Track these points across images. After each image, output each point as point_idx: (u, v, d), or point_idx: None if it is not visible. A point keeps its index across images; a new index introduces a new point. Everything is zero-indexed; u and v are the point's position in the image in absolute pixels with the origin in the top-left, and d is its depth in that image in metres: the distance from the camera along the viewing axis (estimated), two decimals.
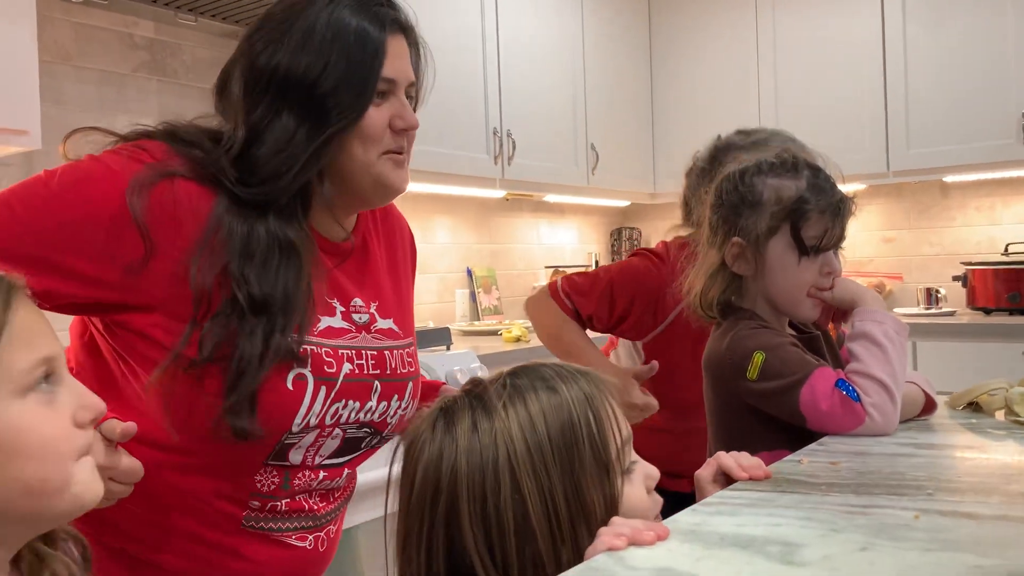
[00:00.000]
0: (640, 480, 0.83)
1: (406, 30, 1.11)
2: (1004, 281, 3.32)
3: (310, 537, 1.11)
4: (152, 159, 1.01)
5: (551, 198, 3.77)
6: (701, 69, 3.91)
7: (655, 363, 1.64)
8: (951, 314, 3.42)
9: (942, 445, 1.12)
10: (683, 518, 0.80)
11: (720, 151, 1.65)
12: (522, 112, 3.21)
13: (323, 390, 1.04)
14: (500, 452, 0.78)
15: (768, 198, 1.22)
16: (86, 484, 0.71)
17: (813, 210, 1.19)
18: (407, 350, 1.18)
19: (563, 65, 3.47)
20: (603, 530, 0.73)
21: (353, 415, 1.08)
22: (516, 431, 0.79)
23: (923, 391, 1.25)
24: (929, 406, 1.26)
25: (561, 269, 3.97)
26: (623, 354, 1.87)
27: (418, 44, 1.13)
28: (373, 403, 1.10)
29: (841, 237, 1.22)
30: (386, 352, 1.13)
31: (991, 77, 3.23)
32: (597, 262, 4.20)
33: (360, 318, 1.13)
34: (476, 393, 0.84)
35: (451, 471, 0.79)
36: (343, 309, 1.11)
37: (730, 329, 1.25)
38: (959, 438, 1.16)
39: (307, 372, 1.03)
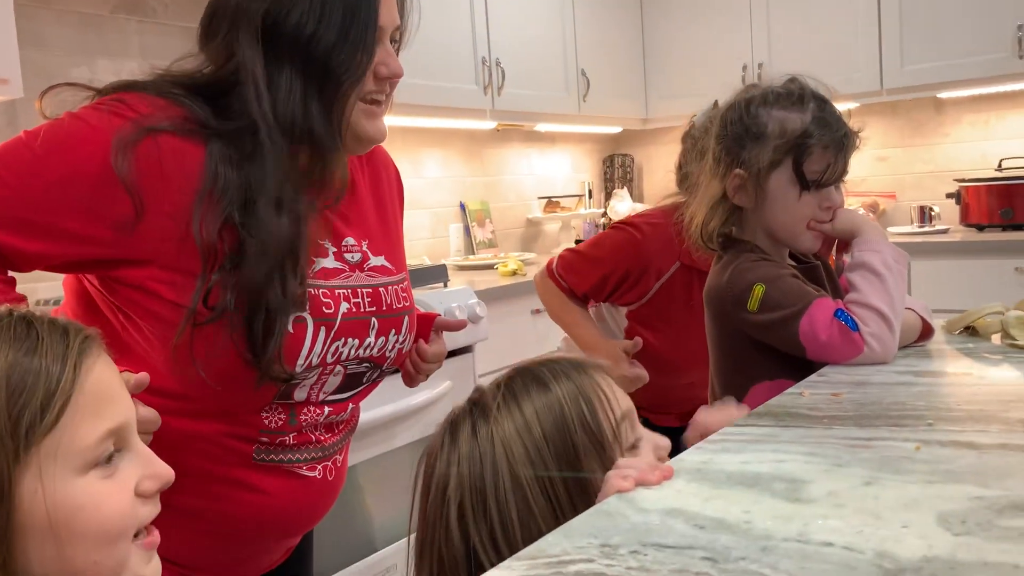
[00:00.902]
0: (649, 452, 0.84)
1: None
2: (997, 197, 3.32)
3: (319, 467, 1.14)
4: (134, 113, 1.00)
5: (542, 127, 3.73)
6: None
7: (638, 340, 1.75)
8: (944, 231, 3.43)
9: (940, 372, 1.14)
10: (689, 457, 0.82)
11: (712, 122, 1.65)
12: (511, 41, 3.15)
13: (323, 331, 1.06)
14: (497, 452, 0.80)
15: (772, 130, 1.21)
16: (141, 567, 0.65)
17: (817, 145, 1.18)
18: (401, 285, 1.20)
19: None
20: (610, 473, 0.75)
21: (353, 352, 1.10)
22: (511, 431, 0.81)
23: (920, 317, 1.26)
24: (926, 331, 1.28)
25: (554, 199, 3.96)
26: (605, 312, 1.91)
27: None
28: (371, 339, 1.12)
29: (844, 172, 1.21)
30: (381, 289, 1.15)
31: None
32: (590, 191, 4.18)
33: (353, 257, 1.14)
34: (475, 400, 0.86)
35: (456, 478, 0.81)
36: (335, 249, 1.12)
37: (731, 262, 1.25)
38: (956, 364, 1.18)
39: (306, 315, 1.04)
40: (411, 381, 1.35)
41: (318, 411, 1.11)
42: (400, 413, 2.06)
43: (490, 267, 3.08)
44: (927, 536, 0.61)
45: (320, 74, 1.03)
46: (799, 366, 1.22)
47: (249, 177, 1.03)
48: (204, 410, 1.04)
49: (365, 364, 1.14)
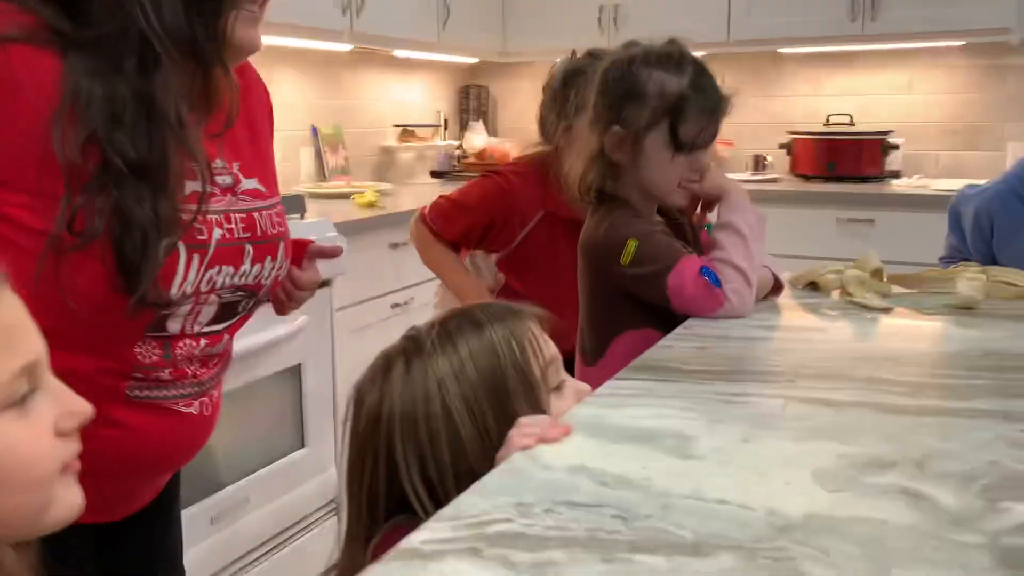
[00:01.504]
0: (571, 395, 0.89)
1: None
2: (824, 151, 3.57)
3: (195, 403, 1.11)
4: None
5: (400, 53, 3.64)
6: None
7: (501, 276, 1.82)
8: (775, 180, 3.66)
9: (791, 327, 1.24)
10: (581, 411, 0.87)
11: (570, 75, 1.71)
12: None
13: (196, 258, 1.02)
14: (431, 386, 0.83)
15: (651, 91, 1.25)
16: (65, 502, 0.63)
17: (692, 109, 1.23)
18: (275, 210, 1.16)
19: None
20: (512, 432, 0.78)
21: (228, 280, 1.07)
22: (446, 368, 0.84)
23: (773, 275, 1.36)
24: (777, 287, 1.39)
25: (409, 128, 3.90)
26: (480, 261, 1.94)
27: None
28: (247, 267, 1.09)
29: (714, 136, 1.28)
30: (255, 214, 1.11)
31: None
32: (446, 121, 4.14)
33: (224, 180, 1.09)
34: (410, 338, 0.89)
35: (388, 410, 0.83)
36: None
37: (606, 217, 1.30)
38: (803, 320, 1.29)
39: (173, 240, 1.00)
40: (283, 309, 1.32)
41: (193, 343, 1.08)
42: (256, 347, 2.01)
43: (345, 196, 3.02)
44: (807, 493, 0.68)
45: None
46: (664, 317, 1.29)
47: (115, 90, 0.96)
48: (74, 345, 0.98)
49: (240, 292, 1.11)
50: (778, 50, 3.71)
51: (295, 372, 2.31)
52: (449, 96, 4.32)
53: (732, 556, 0.59)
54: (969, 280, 1.33)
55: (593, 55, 1.69)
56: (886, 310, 1.30)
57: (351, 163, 3.55)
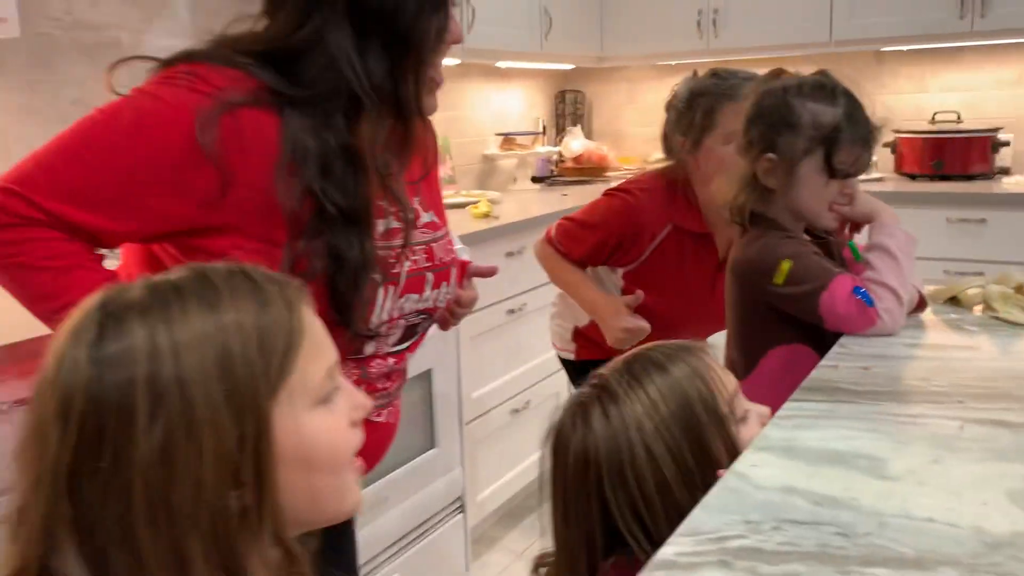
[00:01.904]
0: (755, 422, 0.98)
1: None
2: (930, 149, 3.54)
3: (383, 412, 1.25)
4: (209, 87, 1.03)
5: (502, 64, 3.75)
6: None
7: (640, 293, 1.83)
8: (880, 180, 3.65)
9: (943, 345, 1.30)
10: (772, 433, 0.95)
11: (695, 95, 1.76)
12: None
13: (391, 290, 1.15)
14: (631, 430, 0.92)
15: (806, 121, 1.32)
16: (354, 493, 0.73)
17: (846, 139, 1.30)
18: (447, 239, 1.29)
19: None
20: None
21: (413, 306, 1.20)
22: (640, 411, 0.93)
23: (918, 292, 1.42)
24: (921, 304, 1.44)
25: (511, 136, 4.01)
26: (602, 274, 2.01)
27: None
28: (428, 292, 1.22)
29: (868, 164, 1.34)
30: (433, 245, 1.24)
31: None
32: (544, 128, 4.24)
33: (407, 215, 1.21)
34: (600, 385, 0.97)
35: (594, 456, 0.92)
36: (393, 210, 1.18)
37: (759, 237, 1.38)
38: (951, 337, 1.34)
39: (376, 276, 1.11)
40: (445, 325, 1.44)
41: (383, 362, 1.21)
42: None
43: (460, 206, 3.14)
44: (1006, 513, 0.75)
45: (402, 44, 1.08)
46: (813, 333, 1.37)
47: (326, 143, 1.08)
48: None
49: (421, 315, 1.23)
50: (880, 49, 3.70)
51: (426, 377, 2.44)
52: (546, 102, 4.42)
53: (953, 571, 0.67)
54: None
55: (717, 75, 1.75)
56: None
57: (457, 172, 3.68)
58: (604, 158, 4.13)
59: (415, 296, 1.19)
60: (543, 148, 4.09)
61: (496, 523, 2.91)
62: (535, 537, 2.78)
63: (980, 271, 2.70)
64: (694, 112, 1.76)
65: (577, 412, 0.96)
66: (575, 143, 4.11)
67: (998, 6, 3.24)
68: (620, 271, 1.94)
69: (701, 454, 0.90)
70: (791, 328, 1.38)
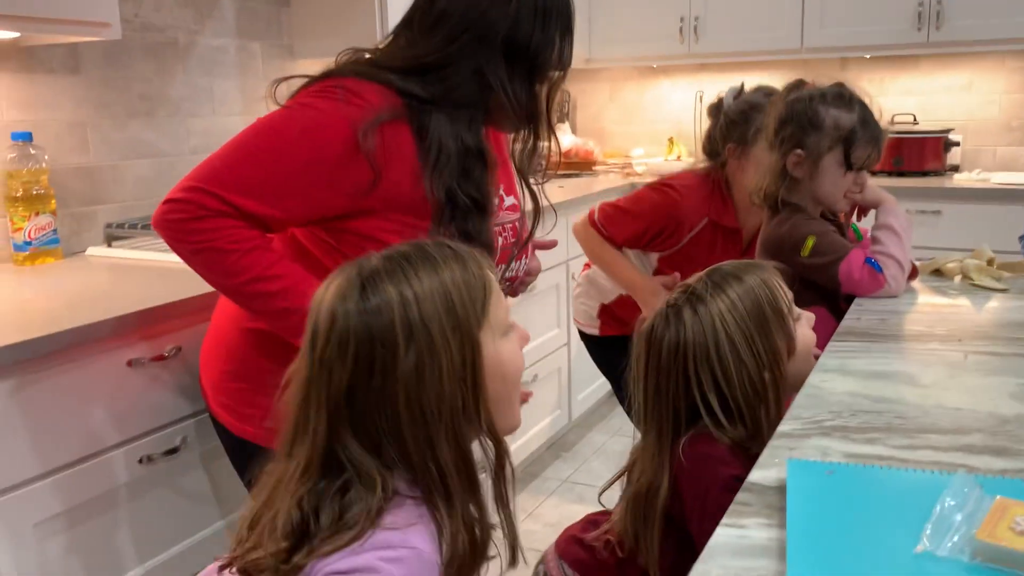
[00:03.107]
0: (806, 323, 1.27)
1: None
2: (889, 147, 3.91)
3: None
4: (363, 101, 1.29)
5: None
6: None
7: (677, 275, 2.08)
8: None
9: (935, 304, 1.63)
10: (827, 362, 1.26)
11: (751, 108, 2.01)
12: None
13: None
14: (716, 323, 1.20)
15: (829, 124, 1.63)
16: (519, 411, 0.97)
17: (862, 139, 1.62)
18: (521, 218, 1.56)
19: None
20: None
21: (500, 275, 1.47)
22: (723, 308, 1.21)
23: (912, 263, 1.75)
24: (913, 274, 1.77)
25: None
26: (631, 255, 2.25)
27: None
28: (512, 264, 1.49)
29: (878, 159, 1.66)
30: (516, 223, 1.51)
31: None
32: None
33: (498, 199, 1.49)
34: (688, 291, 1.25)
35: (684, 343, 1.20)
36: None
37: (787, 218, 1.69)
38: (941, 298, 1.67)
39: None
40: (514, 292, 1.70)
41: None
42: None
43: None
44: (1010, 405, 1.08)
45: (539, 73, 1.36)
46: (830, 297, 1.68)
47: (465, 146, 1.35)
48: None
49: (505, 284, 1.51)
50: (846, 56, 4.07)
51: None
52: None
53: (980, 434, 0.98)
54: None
55: (763, 91, 2.04)
56: (1004, 290, 1.68)
57: None
58: (590, 153, 4.43)
59: (503, 267, 1.47)
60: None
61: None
62: (543, 497, 3.07)
63: (934, 256, 3.07)
64: (749, 124, 1.99)
65: (669, 313, 1.23)
66: (564, 139, 4.40)
67: (951, 20, 3.63)
68: (655, 255, 2.19)
69: (767, 342, 1.19)
70: (812, 293, 1.69)
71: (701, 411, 1.19)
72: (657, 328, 1.24)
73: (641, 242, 2.15)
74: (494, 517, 0.95)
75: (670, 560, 1.19)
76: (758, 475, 0.90)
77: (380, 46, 1.41)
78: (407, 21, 1.39)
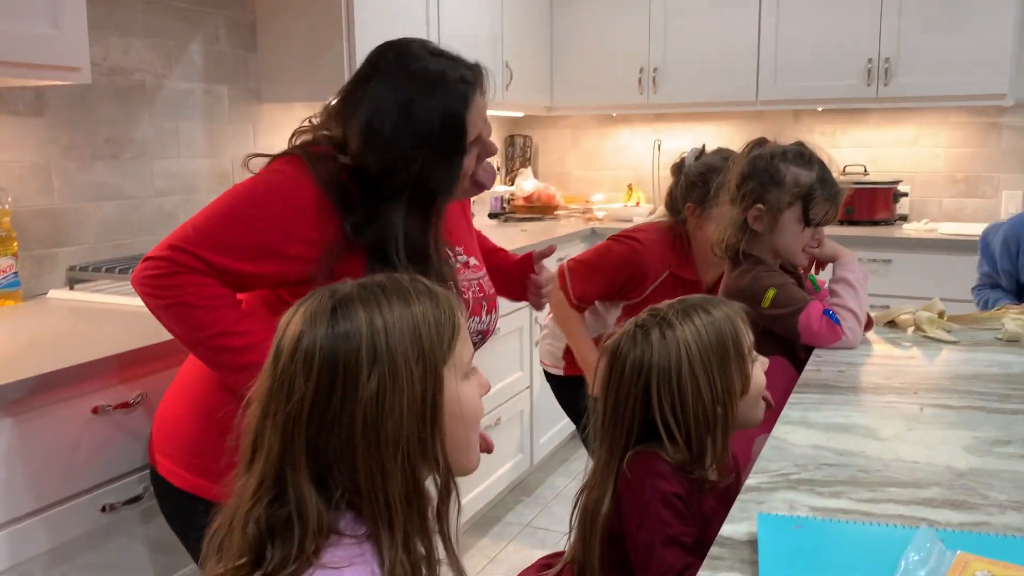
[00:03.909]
0: (760, 368, 1.31)
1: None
2: None
3: None
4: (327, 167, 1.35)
5: None
6: (597, 0, 4.28)
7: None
8: None
9: (891, 355, 1.69)
10: (791, 414, 1.30)
11: (709, 170, 2.08)
12: (452, 31, 3.46)
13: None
14: (681, 349, 1.24)
15: (789, 181, 1.69)
16: (476, 455, 0.98)
17: (820, 196, 1.68)
18: (486, 276, 1.63)
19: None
20: None
21: (474, 327, 1.53)
22: (689, 336, 1.25)
23: (868, 315, 1.81)
24: (868, 324, 1.83)
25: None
26: (599, 307, 2.30)
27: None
28: (483, 317, 1.54)
29: (835, 216, 1.73)
30: (481, 280, 1.59)
31: (846, 28, 3.84)
32: (498, 168, 4.58)
33: (460, 259, 1.55)
34: (657, 314, 1.29)
35: (648, 363, 1.24)
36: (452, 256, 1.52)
37: (748, 270, 1.74)
38: (895, 350, 1.73)
39: None
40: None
41: None
42: None
43: None
44: (965, 457, 1.12)
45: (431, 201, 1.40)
46: (789, 348, 1.73)
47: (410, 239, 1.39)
48: None
49: (479, 336, 1.55)
50: (799, 109, 4.21)
51: None
52: (497, 144, 4.76)
53: (938, 487, 1.02)
54: (1014, 319, 1.79)
55: (722, 154, 2.11)
56: (954, 343, 1.74)
57: None
58: (552, 197, 4.50)
59: (476, 319, 1.52)
60: (501, 187, 4.44)
61: (470, 531, 3.18)
62: (505, 542, 3.07)
63: (887, 304, 3.17)
64: (708, 185, 2.06)
65: (637, 332, 1.27)
66: (527, 183, 4.47)
67: (899, 76, 3.78)
68: (621, 304, 2.25)
69: (724, 376, 1.23)
70: (771, 343, 1.74)
71: (654, 430, 1.22)
72: (623, 346, 1.27)
73: (610, 293, 2.20)
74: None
75: None
76: (730, 529, 0.93)
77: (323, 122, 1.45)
78: (345, 111, 1.41)
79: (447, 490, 0.94)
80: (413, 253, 1.37)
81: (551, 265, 1.99)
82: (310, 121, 1.44)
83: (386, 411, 0.86)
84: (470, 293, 1.53)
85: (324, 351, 0.87)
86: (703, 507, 1.21)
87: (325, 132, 1.42)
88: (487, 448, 1.03)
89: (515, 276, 1.82)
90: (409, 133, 1.33)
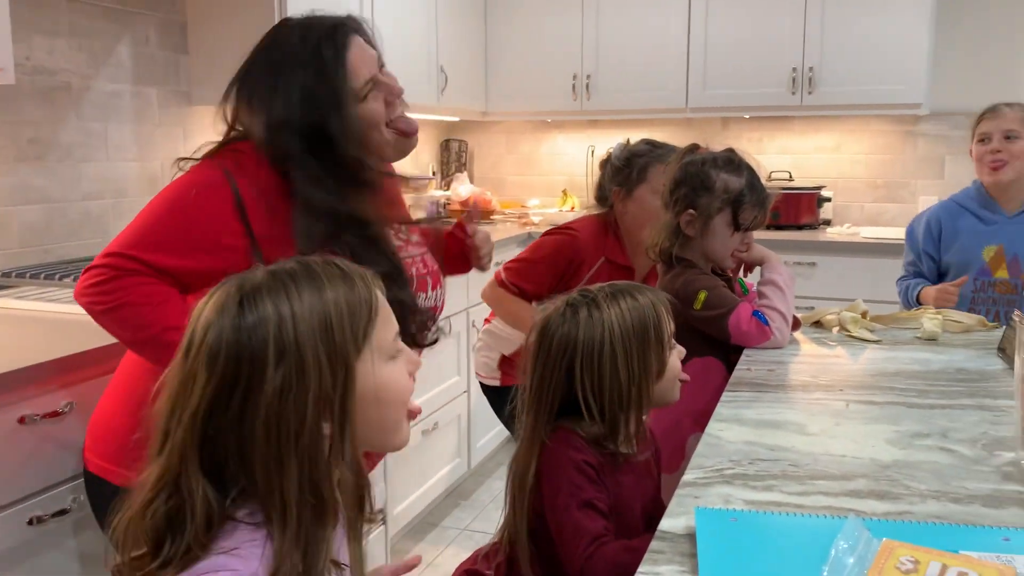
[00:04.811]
0: (676, 355, 1.36)
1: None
2: None
3: None
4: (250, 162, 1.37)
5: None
6: (531, 8, 4.32)
7: None
8: None
9: (817, 354, 1.75)
10: (723, 411, 1.34)
11: (633, 156, 2.16)
12: (386, 36, 3.44)
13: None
14: (605, 330, 1.28)
15: (719, 187, 1.74)
16: (405, 431, 0.97)
17: (749, 202, 1.73)
18: (429, 253, 1.63)
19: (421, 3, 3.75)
20: None
21: (422, 302, 1.53)
22: (614, 319, 1.29)
23: (795, 316, 1.87)
24: (796, 325, 1.89)
25: (405, 178, 4.31)
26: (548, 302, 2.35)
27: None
28: (429, 293, 1.56)
29: (764, 222, 1.78)
30: (425, 256, 1.60)
31: (771, 37, 3.96)
32: (434, 172, 4.58)
33: (402, 235, 1.56)
34: (587, 295, 1.34)
35: (574, 341, 1.29)
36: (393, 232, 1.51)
37: (681, 274, 1.78)
38: (822, 349, 1.80)
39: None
40: (481, 264, 1.80)
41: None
42: None
43: None
44: (887, 451, 1.17)
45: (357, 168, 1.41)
46: (720, 348, 1.78)
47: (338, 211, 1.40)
48: None
49: (427, 316, 1.56)
50: (726, 116, 4.32)
51: None
52: (432, 149, 4.77)
53: (865, 479, 1.07)
54: (931, 319, 1.87)
55: (650, 143, 2.18)
56: (877, 341, 1.82)
57: None
58: (488, 202, 4.51)
59: (423, 294, 1.53)
60: (438, 192, 4.44)
61: (407, 535, 3.17)
62: (443, 546, 3.07)
63: (812, 306, 3.27)
64: (631, 169, 2.15)
65: (567, 310, 1.32)
66: (463, 188, 4.48)
67: (822, 85, 3.91)
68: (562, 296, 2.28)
69: (642, 359, 1.29)
70: (703, 344, 1.79)
71: (577, 405, 1.28)
72: (553, 322, 1.32)
73: (551, 285, 2.18)
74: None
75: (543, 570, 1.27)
76: (668, 523, 0.95)
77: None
78: (248, 92, 1.42)
79: (359, 485, 0.93)
80: (358, 227, 1.38)
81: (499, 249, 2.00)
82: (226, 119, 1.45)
83: (290, 405, 0.84)
84: (413, 269, 1.53)
85: (230, 346, 0.85)
86: (620, 482, 1.28)
87: (238, 128, 1.44)
88: (412, 415, 1.02)
89: (451, 247, 1.82)
90: (288, 93, 1.35)
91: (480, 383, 2.50)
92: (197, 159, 1.41)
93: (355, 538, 0.94)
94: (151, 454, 0.88)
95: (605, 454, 1.27)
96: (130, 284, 1.29)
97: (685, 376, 1.39)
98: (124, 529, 0.87)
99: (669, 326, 1.34)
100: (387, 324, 0.94)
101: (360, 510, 0.94)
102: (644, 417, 1.32)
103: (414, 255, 1.55)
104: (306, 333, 0.86)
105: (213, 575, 0.81)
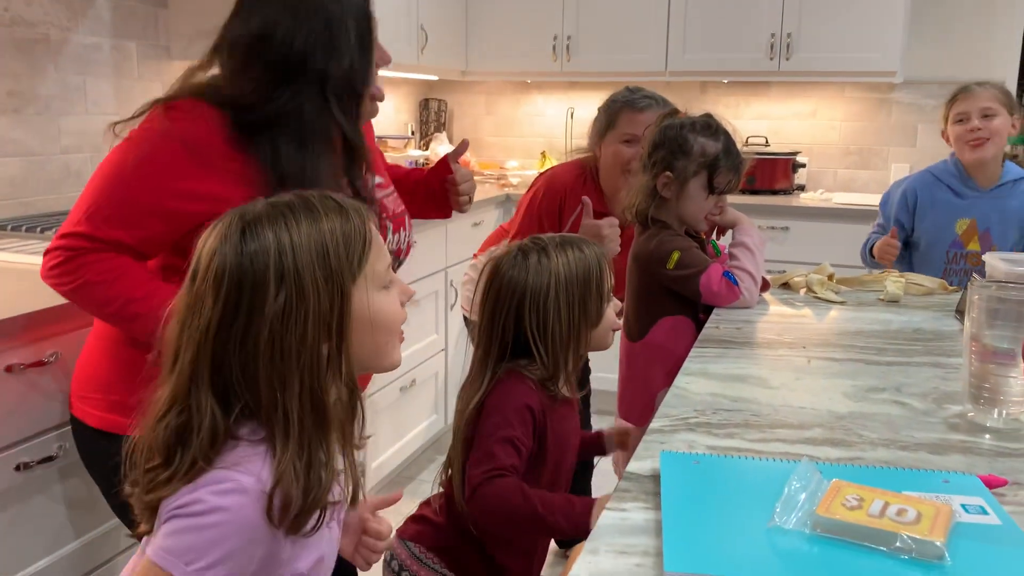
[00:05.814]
0: (612, 308, 1.46)
1: None
2: None
3: None
4: (196, 118, 1.33)
5: (384, 74, 4.06)
6: None
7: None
8: None
9: (784, 314, 1.81)
10: (691, 366, 1.40)
11: (609, 102, 2.26)
12: None
13: None
14: (552, 277, 1.38)
15: (696, 151, 1.79)
16: (396, 354, 1.05)
17: (724, 166, 1.78)
18: (394, 195, 1.65)
19: None
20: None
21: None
22: (561, 266, 1.39)
23: (764, 277, 1.93)
24: (765, 286, 1.95)
25: (383, 139, 4.33)
26: None
27: None
28: (391, 237, 1.57)
29: (738, 186, 1.83)
30: (385, 200, 1.59)
31: (751, 2, 3.98)
32: (412, 132, 4.58)
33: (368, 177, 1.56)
34: (538, 241, 1.43)
35: (522, 285, 1.38)
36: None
37: (655, 234, 1.84)
38: (788, 309, 1.86)
39: None
40: (460, 206, 1.83)
41: None
42: None
43: None
44: (844, 402, 1.24)
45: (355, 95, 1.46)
46: (690, 308, 1.84)
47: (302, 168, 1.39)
48: None
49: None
50: (705, 80, 4.35)
51: None
52: (411, 108, 4.77)
53: (821, 429, 1.14)
54: (894, 282, 1.94)
55: (629, 89, 2.27)
56: (841, 303, 1.89)
57: None
58: (467, 163, 4.53)
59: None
60: (415, 152, 4.45)
61: (385, 488, 3.24)
62: (420, 499, 3.14)
63: (783, 270, 3.35)
64: (603, 113, 2.22)
65: (518, 255, 1.41)
66: (441, 148, 4.49)
67: (800, 51, 3.95)
68: None
69: (582, 308, 1.40)
70: (675, 303, 1.85)
71: (525, 346, 1.39)
72: (504, 264, 1.42)
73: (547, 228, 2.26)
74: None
75: None
76: (635, 466, 1.01)
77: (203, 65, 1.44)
78: (228, 49, 1.41)
79: (352, 398, 0.98)
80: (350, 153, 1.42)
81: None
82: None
83: (291, 326, 0.90)
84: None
85: (233, 272, 0.91)
86: (563, 415, 1.42)
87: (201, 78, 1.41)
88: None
89: (435, 186, 1.83)
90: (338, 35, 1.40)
91: (463, 317, 2.59)
92: (135, 121, 1.37)
93: (348, 445, 1.00)
94: (163, 374, 0.95)
95: (548, 396, 1.38)
96: (86, 262, 1.30)
97: (618, 324, 1.50)
98: (139, 443, 0.94)
99: (609, 280, 1.45)
100: (380, 255, 0.99)
101: (351, 417, 1.00)
102: (580, 359, 1.44)
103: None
104: (304, 259, 0.91)
105: (216, 486, 0.87)
